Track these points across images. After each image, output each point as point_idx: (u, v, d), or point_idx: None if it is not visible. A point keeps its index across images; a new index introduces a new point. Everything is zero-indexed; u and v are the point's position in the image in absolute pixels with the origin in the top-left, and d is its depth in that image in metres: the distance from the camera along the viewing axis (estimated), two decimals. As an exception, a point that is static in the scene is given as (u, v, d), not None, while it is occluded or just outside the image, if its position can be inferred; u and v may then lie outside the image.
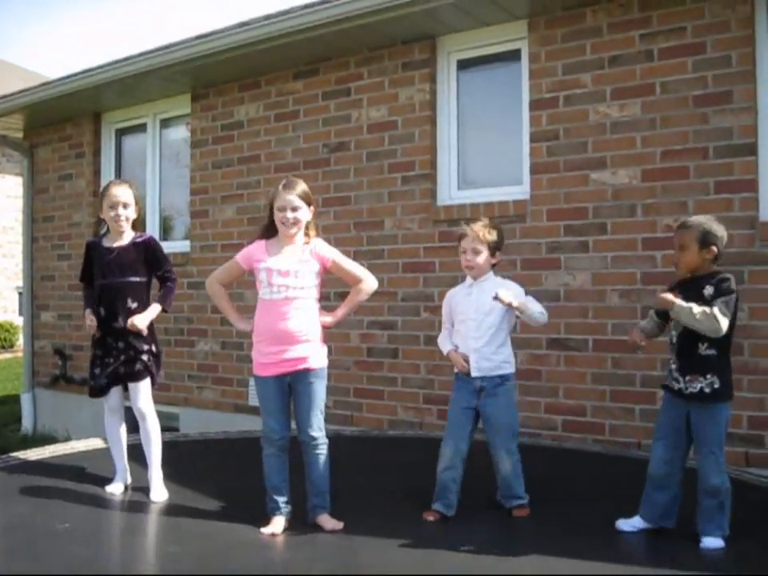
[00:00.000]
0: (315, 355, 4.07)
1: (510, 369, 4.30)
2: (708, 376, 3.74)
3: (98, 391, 4.74)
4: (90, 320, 4.66)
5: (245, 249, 4.27)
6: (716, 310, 3.64)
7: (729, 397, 3.81)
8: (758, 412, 5.26)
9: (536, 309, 4.26)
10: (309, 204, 4.09)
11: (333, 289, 6.66)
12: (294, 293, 4.02)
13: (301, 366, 4.03)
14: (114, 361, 4.65)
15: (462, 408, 4.26)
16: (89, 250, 4.81)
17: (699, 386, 3.75)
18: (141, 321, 4.61)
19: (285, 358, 4.01)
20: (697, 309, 3.66)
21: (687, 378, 3.79)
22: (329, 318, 4.19)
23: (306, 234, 4.14)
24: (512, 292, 4.22)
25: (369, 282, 4.23)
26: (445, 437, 4.29)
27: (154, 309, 4.70)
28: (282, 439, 4.08)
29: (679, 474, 3.86)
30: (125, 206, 4.66)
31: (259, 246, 4.16)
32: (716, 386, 3.73)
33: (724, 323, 3.64)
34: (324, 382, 4.12)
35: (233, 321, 4.33)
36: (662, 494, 3.86)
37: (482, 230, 4.26)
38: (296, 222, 4.04)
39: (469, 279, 4.38)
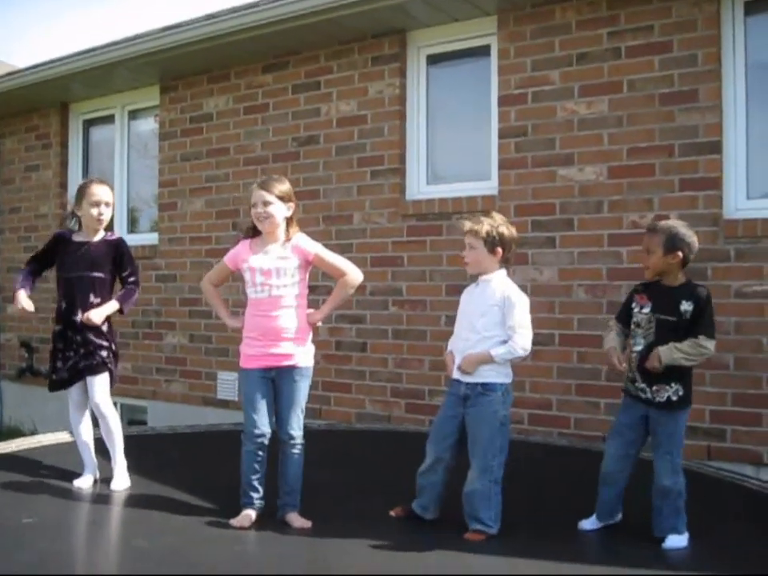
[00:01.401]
0: (302, 354, 4.07)
1: (496, 378, 3.91)
2: (673, 384, 3.76)
3: (59, 385, 4.72)
4: (27, 303, 4.61)
5: (232, 250, 4.27)
6: (701, 338, 3.69)
7: (690, 402, 3.85)
8: (720, 406, 5.35)
9: (505, 355, 3.88)
10: (285, 200, 4.06)
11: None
12: (278, 291, 4.02)
13: (286, 363, 4.03)
14: (75, 354, 4.62)
15: (447, 415, 4.02)
16: (56, 242, 4.76)
17: (666, 395, 3.76)
18: (96, 315, 4.56)
19: (271, 352, 4.02)
20: (684, 350, 3.68)
21: (654, 388, 3.78)
22: (316, 315, 4.16)
23: (289, 233, 4.11)
24: (472, 358, 3.90)
25: (353, 275, 4.16)
26: (428, 440, 4.09)
27: (112, 305, 4.65)
28: (262, 436, 4.03)
29: (628, 470, 3.90)
30: (107, 204, 4.65)
31: (244, 245, 4.17)
32: (681, 393, 3.76)
33: (711, 344, 3.72)
34: (308, 382, 4.12)
35: (223, 317, 4.33)
36: (610, 490, 3.92)
37: (477, 224, 3.99)
38: (267, 216, 4.03)
39: (478, 278, 4.06)
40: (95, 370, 4.62)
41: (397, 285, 6.73)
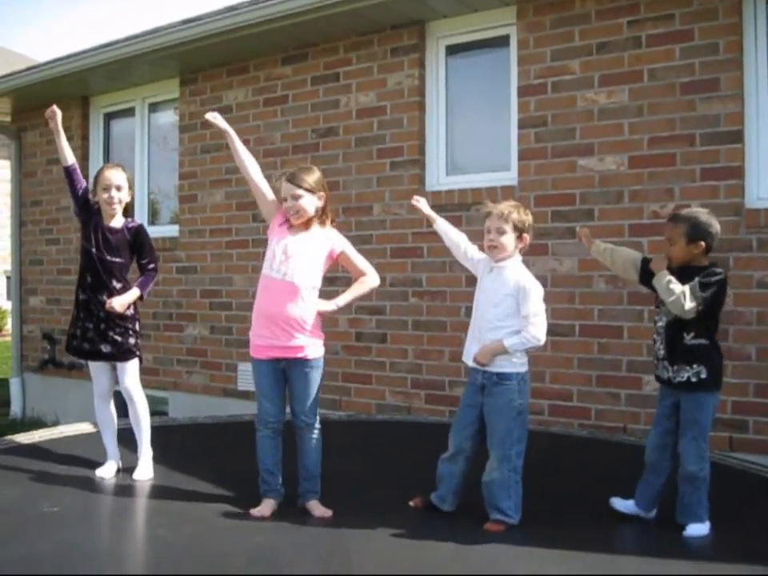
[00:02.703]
0: (311, 345, 4.04)
1: (510, 368, 3.89)
2: (695, 366, 3.73)
3: (76, 351, 4.77)
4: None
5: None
6: (687, 288, 3.65)
7: (716, 387, 3.80)
8: (742, 397, 5.31)
9: (518, 345, 3.86)
10: (315, 192, 4.03)
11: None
12: (293, 277, 3.98)
13: (297, 355, 4.00)
14: (94, 329, 4.66)
15: (467, 405, 4.02)
16: (94, 209, 4.75)
17: (686, 375, 3.74)
18: (119, 304, 4.59)
19: (279, 344, 3.99)
20: (674, 283, 3.67)
21: (675, 367, 3.78)
22: (329, 306, 4.09)
23: (323, 222, 4.10)
24: (486, 350, 3.88)
25: (373, 278, 4.19)
26: (451, 429, 4.10)
27: (134, 293, 4.69)
28: (276, 422, 4.07)
29: (667, 461, 3.87)
30: (118, 188, 4.68)
31: (288, 220, 4.10)
32: (702, 375, 3.72)
33: (688, 304, 3.63)
34: (320, 371, 4.10)
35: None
36: (654, 479, 3.90)
37: (507, 209, 3.95)
38: (297, 210, 4.01)
39: (492, 261, 4.04)
40: (125, 357, 4.69)
41: (417, 276, 6.72)
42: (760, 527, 3.89)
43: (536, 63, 6.15)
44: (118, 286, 4.68)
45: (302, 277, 4.00)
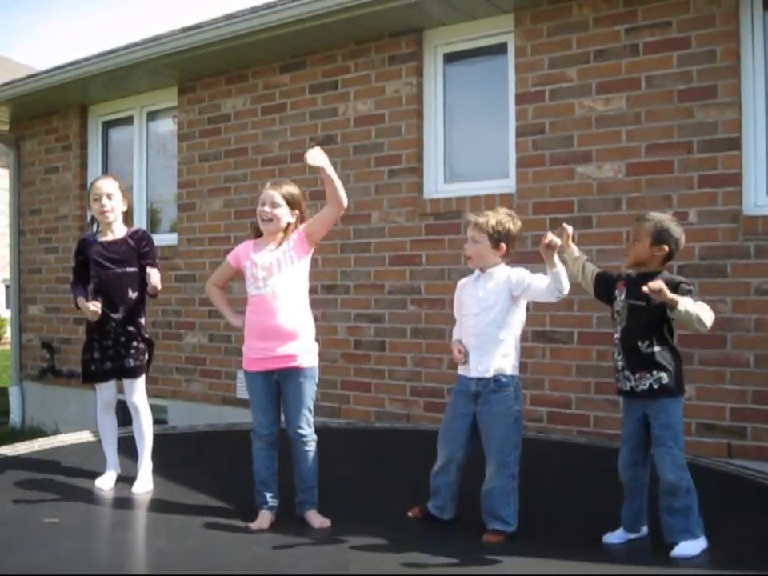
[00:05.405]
0: (304, 354, 4.03)
1: (509, 371, 3.91)
2: (654, 372, 3.62)
3: (98, 376, 4.73)
4: (93, 304, 4.56)
5: (234, 249, 4.28)
6: (699, 305, 3.50)
7: (679, 392, 3.68)
8: (740, 404, 5.31)
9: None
10: (293, 206, 4.05)
11: (320, 282, 6.70)
12: (280, 288, 3.99)
13: (290, 365, 3.99)
14: (114, 345, 4.66)
15: (457, 414, 3.97)
16: (81, 247, 4.78)
17: (648, 382, 3.63)
18: (157, 280, 4.53)
19: (272, 355, 3.98)
20: (690, 304, 3.49)
21: (636, 375, 3.67)
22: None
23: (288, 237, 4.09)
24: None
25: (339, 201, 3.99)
26: (438, 440, 4.06)
27: (156, 272, 4.59)
28: (270, 434, 4.07)
29: (643, 478, 3.76)
30: (109, 196, 4.66)
31: (247, 244, 4.18)
32: (664, 382, 3.61)
33: (707, 315, 3.51)
34: (313, 381, 4.08)
35: (227, 317, 4.29)
36: (633, 498, 3.78)
37: (482, 218, 3.96)
38: (272, 217, 4.02)
39: (477, 271, 4.05)
40: (135, 373, 4.71)
41: (415, 283, 6.73)
42: (757, 535, 3.87)
43: (534, 71, 6.16)
44: (133, 295, 4.67)
45: (287, 286, 4.01)
